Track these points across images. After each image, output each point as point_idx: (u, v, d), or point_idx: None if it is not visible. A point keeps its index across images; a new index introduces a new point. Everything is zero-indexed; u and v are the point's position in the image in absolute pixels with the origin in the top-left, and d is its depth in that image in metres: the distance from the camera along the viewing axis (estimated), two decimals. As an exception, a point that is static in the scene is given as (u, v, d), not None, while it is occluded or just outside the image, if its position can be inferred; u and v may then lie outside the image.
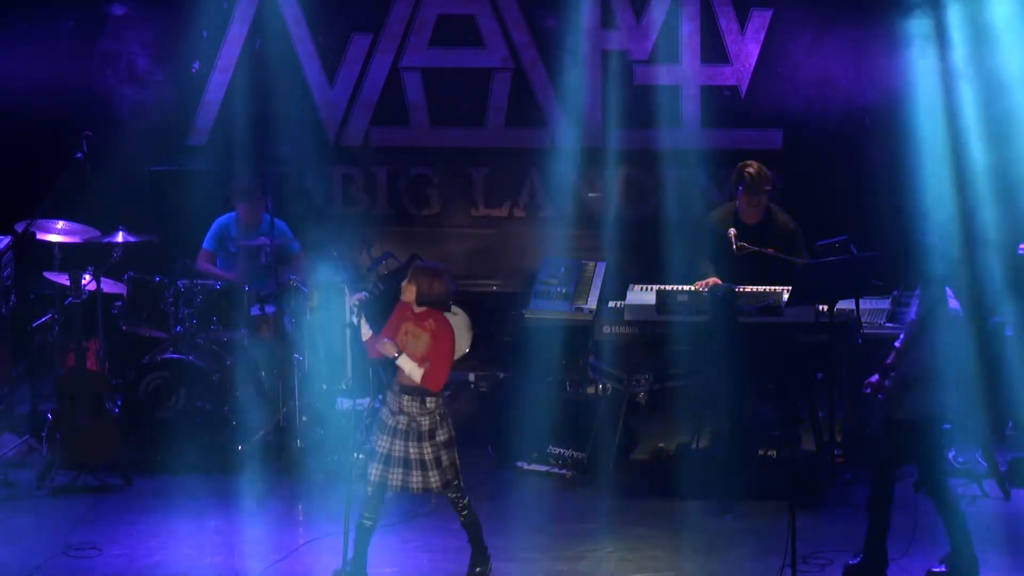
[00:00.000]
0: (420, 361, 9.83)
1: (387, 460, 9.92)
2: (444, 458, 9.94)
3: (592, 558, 10.65)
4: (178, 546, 10.82)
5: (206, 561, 10.59)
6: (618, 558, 10.64)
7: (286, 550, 10.60)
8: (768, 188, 11.97)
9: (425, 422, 9.89)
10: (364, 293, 9.85)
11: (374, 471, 9.95)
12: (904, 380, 9.99)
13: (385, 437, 9.94)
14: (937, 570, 10.22)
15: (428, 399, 9.88)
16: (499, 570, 10.47)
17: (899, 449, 10.06)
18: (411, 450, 9.89)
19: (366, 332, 9.92)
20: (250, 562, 10.53)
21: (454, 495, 10.03)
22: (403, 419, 9.91)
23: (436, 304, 9.92)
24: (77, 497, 11.65)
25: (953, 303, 10.03)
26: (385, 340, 9.83)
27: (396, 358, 9.79)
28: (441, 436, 9.94)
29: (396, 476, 9.91)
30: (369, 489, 9.95)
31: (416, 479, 9.91)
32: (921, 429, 9.98)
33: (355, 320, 9.92)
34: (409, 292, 9.89)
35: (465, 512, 10.07)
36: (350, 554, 9.96)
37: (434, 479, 9.92)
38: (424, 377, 9.83)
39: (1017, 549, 10.63)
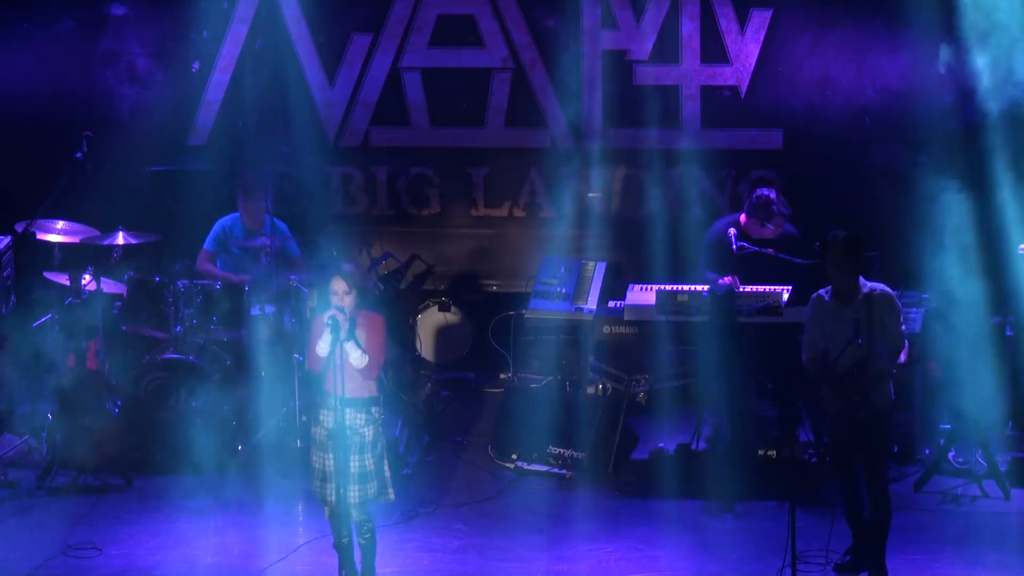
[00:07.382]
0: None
1: (325, 476, 9.77)
2: (384, 467, 9.82)
3: (592, 558, 10.65)
4: (178, 546, 10.83)
5: (206, 561, 10.59)
6: (618, 558, 10.64)
7: (286, 550, 10.60)
8: (772, 223, 12.07)
9: (369, 432, 9.75)
10: (335, 311, 9.70)
11: (317, 489, 9.81)
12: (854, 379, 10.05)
13: (320, 454, 9.79)
14: (842, 562, 10.28)
15: (373, 408, 9.77)
16: (499, 570, 10.48)
17: (855, 447, 10.08)
18: (353, 463, 9.72)
19: (323, 347, 9.63)
20: (250, 562, 10.54)
21: (364, 516, 9.82)
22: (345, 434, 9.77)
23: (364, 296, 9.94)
24: (77, 497, 11.65)
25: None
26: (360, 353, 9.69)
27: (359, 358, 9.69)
28: (379, 447, 9.81)
29: (332, 491, 9.76)
30: (326, 511, 9.86)
31: (354, 491, 9.72)
32: (872, 423, 10.03)
33: (327, 334, 9.67)
34: (348, 299, 9.67)
35: (368, 535, 9.89)
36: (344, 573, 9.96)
37: (371, 489, 9.78)
38: (372, 369, 9.69)
39: (1017, 549, 10.63)
